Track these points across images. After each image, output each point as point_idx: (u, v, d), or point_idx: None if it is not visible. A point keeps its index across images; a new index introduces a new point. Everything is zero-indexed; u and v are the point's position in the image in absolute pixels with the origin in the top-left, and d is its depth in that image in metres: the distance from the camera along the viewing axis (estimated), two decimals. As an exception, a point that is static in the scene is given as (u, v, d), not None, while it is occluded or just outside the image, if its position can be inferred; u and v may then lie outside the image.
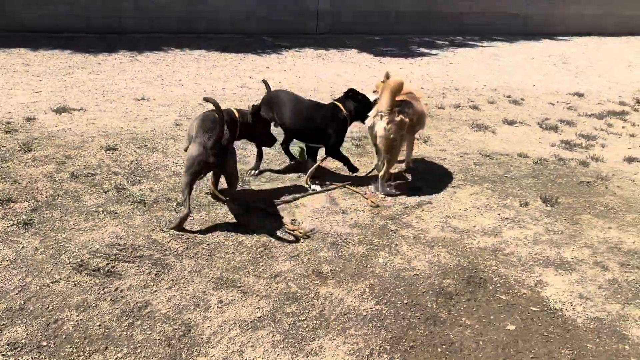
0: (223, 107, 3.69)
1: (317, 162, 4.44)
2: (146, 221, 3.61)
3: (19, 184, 3.96)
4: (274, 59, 8.87)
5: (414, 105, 4.29)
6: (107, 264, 3.12)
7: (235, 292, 2.98)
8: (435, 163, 4.95)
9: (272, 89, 4.73)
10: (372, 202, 4.10)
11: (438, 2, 11.88)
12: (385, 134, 4.06)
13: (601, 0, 13.19)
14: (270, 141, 4.26)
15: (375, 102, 4.32)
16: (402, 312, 2.90)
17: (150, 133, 5.18)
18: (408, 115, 4.14)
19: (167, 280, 3.04)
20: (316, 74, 8.06)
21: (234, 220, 3.67)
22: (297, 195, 4.11)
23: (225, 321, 2.75)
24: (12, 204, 3.68)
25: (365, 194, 4.21)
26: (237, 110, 4.06)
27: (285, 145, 4.67)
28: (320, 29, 11.17)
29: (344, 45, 10.34)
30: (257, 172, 4.46)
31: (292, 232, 3.59)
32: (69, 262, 3.12)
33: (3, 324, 2.61)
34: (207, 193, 4.02)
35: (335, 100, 4.47)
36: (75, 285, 2.93)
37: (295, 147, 4.82)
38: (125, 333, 2.63)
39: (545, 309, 2.99)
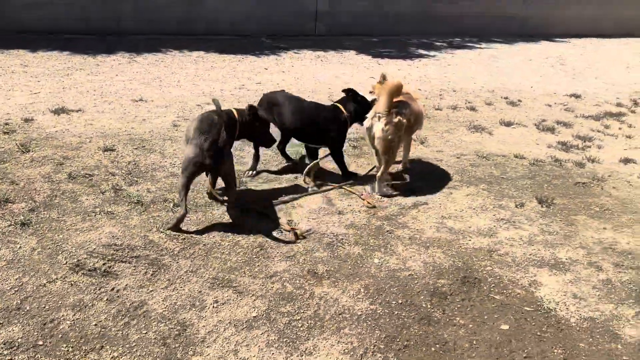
0: (222, 108, 3.72)
1: (317, 160, 4.47)
2: (143, 222, 3.62)
3: (17, 184, 3.98)
4: (273, 60, 8.90)
5: (412, 105, 4.32)
6: (104, 264, 3.14)
7: (231, 292, 3.00)
8: (431, 164, 4.97)
9: (271, 90, 4.75)
10: (368, 202, 4.11)
11: (437, 3, 11.91)
12: (383, 135, 4.08)
13: (600, 2, 13.22)
14: (269, 141, 4.26)
15: (373, 102, 4.35)
16: (396, 312, 2.92)
17: (148, 134, 5.20)
18: (405, 116, 4.16)
19: (163, 280, 3.06)
20: (314, 75, 8.08)
21: (231, 221, 3.69)
22: (295, 196, 4.13)
23: (220, 321, 2.77)
24: (9, 204, 3.70)
25: (362, 194, 4.23)
26: (236, 110, 4.08)
27: (282, 147, 4.69)
28: (319, 30, 11.20)
29: (342, 46, 10.37)
30: (254, 172, 4.48)
31: (288, 232, 3.60)
32: (66, 262, 3.13)
33: (0, 324, 2.63)
34: (208, 193, 4.03)
35: (336, 101, 4.52)
36: (72, 285, 2.95)
37: (293, 148, 4.85)
38: (121, 332, 2.65)
39: (539, 308, 3.01)
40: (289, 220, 3.78)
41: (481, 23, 12.39)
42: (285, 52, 9.63)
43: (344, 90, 4.49)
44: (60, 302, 2.81)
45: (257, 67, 8.37)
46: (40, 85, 6.56)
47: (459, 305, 3.01)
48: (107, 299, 2.86)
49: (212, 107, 3.57)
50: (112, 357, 2.49)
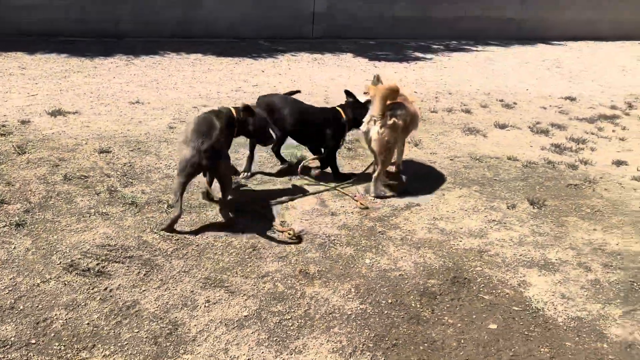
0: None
1: (316, 157, 4.57)
2: (137, 222, 3.66)
3: (12, 185, 4.01)
4: (270, 63, 8.95)
5: (407, 107, 4.36)
6: (97, 264, 3.18)
7: (223, 291, 3.03)
8: (425, 166, 5.01)
9: (268, 92, 4.80)
10: (361, 204, 4.15)
11: (433, 6, 11.96)
12: (380, 137, 4.14)
13: (596, 5, 13.28)
14: (267, 138, 4.20)
15: (368, 103, 4.40)
16: (386, 311, 2.95)
17: (144, 136, 5.23)
18: (401, 117, 4.21)
19: (156, 280, 3.09)
20: (311, 77, 8.13)
21: (224, 222, 3.72)
22: (291, 197, 4.18)
23: (211, 320, 2.80)
24: (4, 205, 3.73)
25: (355, 196, 4.27)
26: (234, 108, 4.08)
27: (277, 148, 4.73)
28: (316, 33, 11.25)
29: (339, 49, 10.42)
30: (248, 174, 4.51)
31: (281, 233, 3.64)
32: (60, 262, 3.17)
33: (-7, 323, 2.66)
34: (202, 193, 4.06)
35: (338, 105, 4.59)
36: (65, 284, 2.98)
37: (288, 150, 4.89)
38: (113, 331, 2.68)
39: (527, 308, 3.05)
40: (282, 222, 3.81)
41: (478, 26, 12.44)
42: (282, 54, 9.68)
43: (345, 91, 4.56)
44: (53, 301, 2.85)
45: (254, 69, 8.41)
46: (37, 87, 6.60)
47: (448, 305, 3.04)
48: (100, 299, 2.90)
49: (209, 109, 3.60)
50: (103, 356, 2.53)
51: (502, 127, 6.29)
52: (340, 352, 2.64)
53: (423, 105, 6.90)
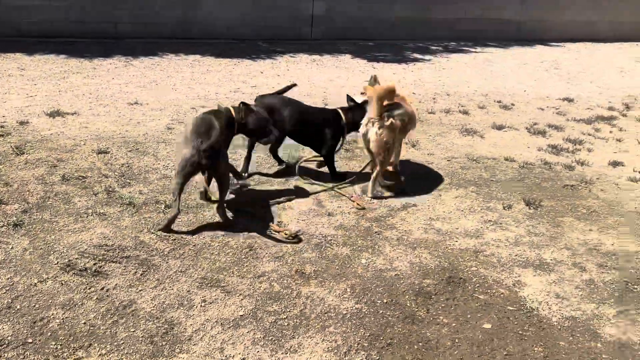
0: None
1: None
2: (134, 223, 3.68)
3: (10, 186, 4.03)
4: (268, 64, 8.97)
5: (404, 106, 4.39)
6: (95, 264, 3.19)
7: (219, 291, 3.05)
8: (422, 167, 5.03)
9: (266, 93, 4.82)
10: (358, 204, 4.17)
11: (432, 8, 11.99)
12: (378, 138, 4.17)
13: (595, 7, 13.31)
14: (267, 135, 4.08)
15: (364, 104, 4.44)
16: (381, 311, 2.97)
17: (142, 137, 5.25)
18: (399, 117, 4.24)
19: (152, 279, 3.11)
20: (309, 78, 8.15)
21: (221, 222, 3.74)
22: (290, 197, 4.20)
23: (207, 319, 2.82)
24: (2, 205, 3.75)
25: (352, 196, 4.29)
26: (233, 108, 4.04)
27: (274, 149, 4.76)
28: (315, 34, 11.28)
29: (338, 50, 10.44)
30: (246, 175, 4.53)
31: (277, 233, 3.65)
32: (57, 262, 3.18)
33: (-10, 322, 2.68)
34: (200, 193, 4.07)
35: (339, 108, 4.64)
36: (62, 284, 3.00)
37: (285, 151, 4.92)
38: (109, 330, 2.69)
39: (522, 308, 3.06)
40: (279, 222, 3.83)
41: (477, 27, 12.47)
42: (281, 55, 9.70)
43: (347, 96, 4.62)
44: (50, 301, 2.86)
45: (253, 70, 8.44)
46: (36, 88, 6.62)
47: (443, 305, 3.06)
48: (96, 298, 2.91)
49: (207, 109, 3.61)
50: (99, 355, 2.54)
51: (500, 128, 6.31)
52: (335, 351, 2.66)
53: (421, 107, 6.92)
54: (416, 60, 10.17)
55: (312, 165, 4.85)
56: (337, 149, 4.63)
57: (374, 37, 11.68)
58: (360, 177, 4.59)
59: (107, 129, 5.40)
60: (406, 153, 5.25)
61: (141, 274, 3.14)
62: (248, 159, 4.53)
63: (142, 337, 2.67)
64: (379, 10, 11.55)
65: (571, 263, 3.54)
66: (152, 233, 3.56)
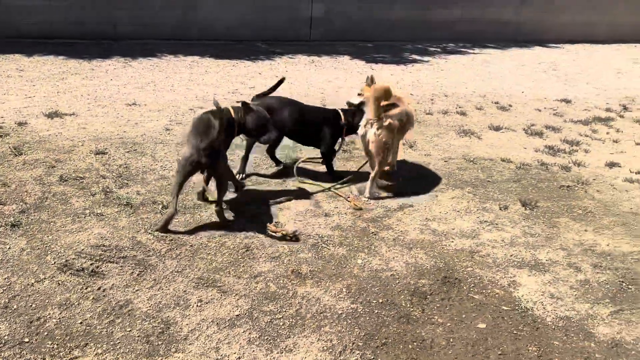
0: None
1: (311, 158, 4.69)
2: (131, 223, 3.69)
3: (8, 186, 4.05)
4: (267, 65, 8.99)
5: (402, 106, 4.41)
6: (91, 264, 3.21)
7: (215, 291, 3.06)
8: (419, 167, 5.05)
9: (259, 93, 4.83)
10: (355, 205, 4.19)
11: (431, 9, 12.01)
12: (377, 139, 4.20)
13: (593, 8, 13.33)
14: (267, 134, 4.01)
15: (361, 105, 4.48)
16: (376, 311, 2.98)
17: (140, 138, 5.27)
18: (397, 117, 4.27)
19: (149, 279, 3.12)
20: (307, 79, 8.17)
21: (218, 222, 3.75)
22: (287, 198, 4.21)
23: (203, 319, 2.83)
24: (0, 206, 3.76)
25: (349, 197, 4.30)
26: (232, 108, 4.02)
27: (272, 150, 4.78)
28: (314, 36, 11.30)
29: (336, 51, 10.46)
30: (243, 175, 4.54)
31: (274, 233, 3.67)
32: (54, 262, 3.20)
33: (-13, 321, 2.69)
34: (197, 193, 4.08)
35: (341, 109, 4.67)
36: (59, 284, 3.01)
37: (282, 152, 4.94)
38: (105, 330, 2.71)
39: (517, 308, 3.08)
40: (276, 222, 3.84)
41: (475, 29, 12.49)
42: (280, 57, 9.72)
43: (348, 103, 4.67)
44: (47, 300, 2.88)
45: (251, 71, 8.45)
46: (35, 89, 6.64)
47: (438, 305, 3.07)
48: (93, 298, 2.93)
49: (205, 110, 3.63)
50: (95, 354, 2.55)
51: (497, 129, 6.32)
52: (330, 350, 2.67)
53: (419, 108, 6.94)
54: (414, 61, 10.20)
55: (310, 166, 4.87)
56: (337, 149, 4.66)
57: (372, 39, 11.71)
58: (357, 177, 4.61)
59: (105, 129, 5.42)
60: (403, 154, 5.26)
61: (138, 274, 3.16)
62: (245, 159, 4.54)
63: (138, 336, 2.68)
64: (378, 11, 11.58)
65: (566, 263, 3.56)
66: (149, 233, 3.57)
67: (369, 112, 4.24)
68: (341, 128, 4.56)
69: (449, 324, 2.91)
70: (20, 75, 7.17)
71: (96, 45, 9.30)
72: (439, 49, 11.57)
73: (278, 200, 4.18)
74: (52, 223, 3.62)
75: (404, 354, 2.68)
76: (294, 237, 3.63)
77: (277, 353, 2.64)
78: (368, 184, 4.33)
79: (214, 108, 3.60)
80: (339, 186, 4.47)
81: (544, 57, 11.41)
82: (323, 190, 4.39)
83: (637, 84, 9.25)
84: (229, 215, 3.88)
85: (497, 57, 11.18)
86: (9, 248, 3.30)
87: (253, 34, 10.84)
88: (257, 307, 2.95)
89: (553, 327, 2.93)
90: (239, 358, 2.59)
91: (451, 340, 2.80)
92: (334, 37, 11.38)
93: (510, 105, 7.42)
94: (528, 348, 2.76)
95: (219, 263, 3.33)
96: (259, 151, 4.87)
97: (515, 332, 2.88)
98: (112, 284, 3.05)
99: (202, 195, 4.07)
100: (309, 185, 4.47)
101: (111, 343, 2.63)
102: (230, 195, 4.17)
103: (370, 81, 4.47)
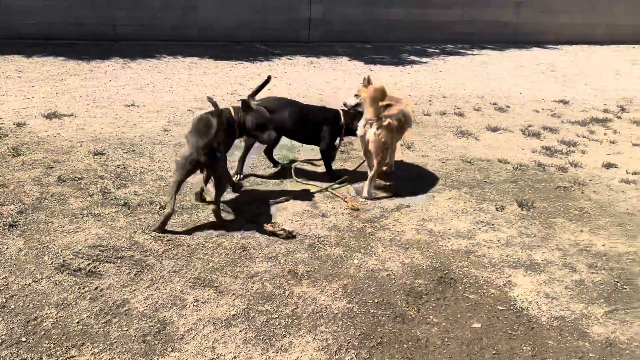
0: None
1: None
2: (129, 223, 3.71)
3: (7, 187, 4.06)
4: (265, 66, 9.01)
5: (399, 106, 4.43)
6: (89, 264, 3.22)
7: (212, 291, 3.08)
8: (416, 168, 5.07)
9: (263, 95, 4.86)
10: (352, 205, 4.20)
11: (429, 11, 12.04)
12: (377, 139, 4.23)
13: (591, 10, 13.35)
14: (267, 132, 4.00)
15: (358, 106, 4.53)
16: (372, 311, 3.00)
17: (139, 138, 5.28)
18: (395, 117, 4.29)
19: (146, 279, 3.14)
20: (306, 80, 8.19)
21: (215, 222, 3.77)
22: (284, 198, 4.23)
23: (200, 319, 2.85)
24: (-2, 206, 3.78)
25: (346, 197, 4.32)
26: (233, 108, 4.01)
27: (269, 151, 4.79)
28: (313, 37, 11.32)
29: (335, 53, 10.49)
30: (241, 176, 4.56)
31: (272, 233, 3.68)
32: (52, 262, 3.21)
33: (-16, 321, 2.71)
34: (195, 194, 4.10)
35: (341, 109, 4.72)
36: (57, 284, 3.03)
37: (281, 152, 4.95)
38: (102, 330, 2.72)
39: (512, 308, 3.09)
40: (273, 223, 3.86)
41: (474, 30, 12.51)
42: (278, 58, 9.74)
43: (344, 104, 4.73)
44: (44, 300, 2.89)
45: (250, 72, 8.47)
46: (34, 90, 6.65)
47: (433, 305, 3.09)
48: (90, 298, 2.94)
49: (204, 111, 3.64)
50: (92, 354, 2.57)
51: (494, 130, 6.34)
52: (326, 350, 2.69)
53: (417, 109, 6.96)
54: (413, 62, 10.22)
55: (307, 167, 4.90)
56: (335, 147, 4.69)
57: (371, 40, 11.73)
58: (354, 177, 4.63)
59: (104, 130, 5.44)
60: (401, 155, 5.28)
61: (135, 274, 3.17)
62: (242, 160, 4.56)
63: (134, 336, 2.70)
64: (377, 13, 11.60)
65: (562, 263, 3.57)
66: (147, 234, 3.59)
67: (368, 112, 4.26)
68: (340, 128, 4.59)
69: (444, 324, 2.93)
70: (19, 76, 7.19)
71: (95, 46, 9.32)
72: (437, 50, 11.59)
73: (275, 200, 4.20)
74: (49, 223, 3.63)
75: (398, 353, 2.70)
76: (290, 235, 3.65)
77: (273, 352, 2.65)
78: (366, 183, 4.35)
79: (215, 109, 3.61)
80: (336, 186, 4.50)
81: (542, 58, 11.44)
82: (320, 191, 4.41)
83: (635, 85, 9.27)
84: (226, 215, 3.89)
85: (495, 58, 11.20)
86: (7, 248, 3.32)
87: (252, 35, 10.87)
88: (253, 307, 2.97)
89: (548, 326, 2.95)
90: (235, 357, 2.60)
91: (446, 339, 2.81)
92: (333, 39, 11.41)
93: (508, 107, 7.44)
94: (522, 347, 2.77)
95: (215, 263, 3.34)
96: (256, 152, 4.89)
97: (510, 331, 2.89)
98: (109, 284, 3.07)
99: (200, 196, 4.08)
100: (306, 186, 4.49)
101: (108, 342, 2.64)
102: (228, 195, 4.19)
103: (367, 82, 4.49)
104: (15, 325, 2.70)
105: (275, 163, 4.83)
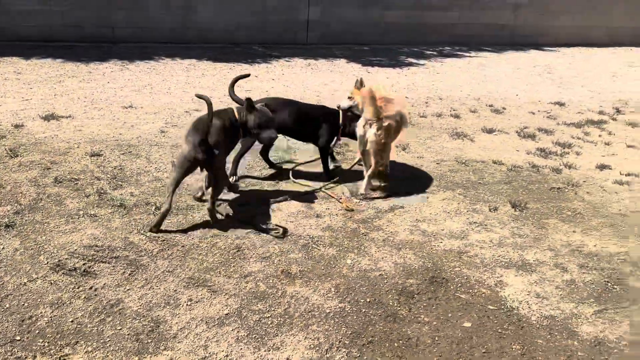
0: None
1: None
2: (124, 224, 3.74)
3: (3, 188, 4.10)
4: (263, 68, 9.04)
5: (395, 107, 4.47)
6: (84, 264, 3.25)
7: (205, 291, 3.11)
8: (411, 169, 5.10)
9: (260, 97, 4.91)
10: (346, 206, 4.24)
11: (427, 13, 12.07)
12: (377, 140, 4.29)
13: (590, 12, 13.39)
14: (269, 131, 3.98)
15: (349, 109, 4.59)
16: (364, 310, 3.03)
17: (136, 140, 5.32)
18: (393, 118, 4.34)
19: (140, 279, 3.17)
20: (303, 82, 8.22)
21: (210, 222, 3.80)
22: (279, 199, 4.26)
23: (193, 318, 2.88)
24: (-5, 207, 3.82)
25: (340, 198, 4.35)
26: (236, 108, 4.00)
27: (265, 152, 4.83)
28: (311, 39, 11.35)
29: (333, 55, 10.52)
30: (236, 178, 4.59)
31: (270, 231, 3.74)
32: (47, 262, 3.25)
33: (-21, 320, 2.74)
34: (195, 197, 4.13)
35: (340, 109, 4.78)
36: (52, 284, 3.06)
37: (276, 154, 4.99)
38: (96, 328, 2.75)
39: (502, 307, 3.12)
40: (268, 222, 3.89)
41: (471, 32, 12.54)
42: (276, 60, 9.78)
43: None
44: (39, 300, 2.93)
45: (248, 74, 8.49)
46: (32, 92, 6.69)
47: (425, 304, 3.12)
48: (84, 297, 2.97)
49: (201, 112, 3.67)
50: (85, 352, 2.60)
51: (490, 131, 6.38)
52: (317, 348, 2.72)
53: (413, 111, 6.99)
54: (410, 64, 10.25)
55: (302, 167, 4.94)
56: (331, 144, 4.73)
57: (369, 42, 11.76)
58: (349, 178, 4.67)
59: (101, 132, 5.47)
60: (396, 156, 5.31)
61: (129, 274, 3.20)
62: (237, 161, 4.58)
63: (128, 334, 2.73)
64: (374, 15, 11.63)
65: (553, 264, 3.61)
66: (142, 234, 3.62)
67: (368, 113, 4.30)
68: (338, 128, 4.65)
69: (434, 323, 2.96)
70: (17, 78, 7.23)
71: (95, 48, 9.35)
72: (435, 52, 11.62)
73: (271, 201, 4.23)
74: (46, 224, 3.66)
75: (389, 352, 2.73)
76: (284, 233, 3.70)
77: (265, 351, 2.68)
78: (365, 181, 4.40)
79: (217, 109, 3.65)
80: (330, 185, 4.54)
81: (539, 61, 11.47)
82: (314, 190, 4.44)
83: (631, 87, 9.30)
84: (220, 216, 3.92)
85: (493, 60, 11.23)
86: (3, 248, 3.35)
87: (250, 37, 10.90)
88: (246, 306, 3.00)
89: (537, 326, 2.98)
90: (227, 356, 2.64)
91: (436, 338, 2.84)
92: (331, 41, 11.44)
93: (504, 108, 7.47)
94: (512, 346, 2.80)
95: (209, 263, 3.37)
96: (253, 153, 4.91)
97: (500, 330, 2.93)
98: (104, 284, 3.10)
99: (201, 196, 4.10)
100: (301, 186, 4.52)
101: (101, 341, 2.67)
102: (224, 196, 4.23)
103: (360, 84, 4.53)
104: (9, 324, 2.73)
105: (271, 164, 4.86)
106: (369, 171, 4.41)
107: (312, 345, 2.74)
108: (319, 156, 4.76)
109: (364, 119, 4.37)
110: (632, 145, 6.16)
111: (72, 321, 2.79)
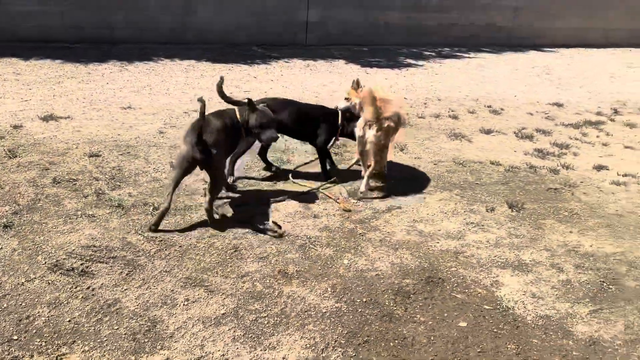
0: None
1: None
2: (122, 224, 3.75)
3: (2, 188, 4.11)
4: (262, 69, 9.06)
5: (393, 108, 4.49)
6: (82, 264, 3.27)
7: (202, 290, 3.12)
8: (409, 170, 5.11)
9: (259, 98, 4.92)
10: (344, 207, 4.25)
11: (426, 14, 12.09)
12: (377, 140, 4.31)
13: (588, 13, 13.41)
14: (269, 131, 4.00)
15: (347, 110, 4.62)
16: (360, 310, 3.04)
17: (134, 140, 5.33)
18: (391, 119, 4.36)
19: (137, 279, 3.18)
20: (302, 83, 8.24)
21: (208, 222, 3.81)
22: (277, 199, 4.28)
23: (189, 318, 2.89)
24: (-7, 207, 3.83)
25: (338, 199, 4.37)
26: (237, 108, 4.01)
27: (263, 153, 4.84)
28: (310, 40, 11.38)
29: (332, 56, 10.54)
30: (234, 178, 4.60)
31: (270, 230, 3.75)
32: (45, 262, 3.26)
33: (-23, 319, 2.75)
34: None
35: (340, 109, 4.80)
36: (49, 284, 3.07)
37: (275, 154, 5.00)
38: (93, 328, 2.77)
39: (498, 307, 3.14)
40: (266, 222, 3.90)
41: (470, 33, 12.57)
42: (275, 61, 9.80)
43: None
44: (36, 299, 2.94)
45: (247, 75, 8.52)
46: (31, 92, 6.71)
47: (421, 304, 3.13)
48: (82, 297, 2.99)
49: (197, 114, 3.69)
50: (82, 351, 2.61)
51: (488, 132, 6.39)
52: (313, 348, 2.73)
53: (411, 111, 7.01)
54: (409, 65, 10.27)
55: (300, 168, 4.96)
56: (329, 144, 4.75)
57: (368, 43, 11.78)
58: (346, 178, 4.68)
59: (100, 132, 5.48)
60: (394, 157, 5.32)
61: (127, 274, 3.22)
62: (233, 162, 4.59)
63: (125, 334, 2.74)
64: (373, 16, 11.66)
65: (549, 264, 3.62)
66: (140, 234, 3.63)
67: (368, 113, 4.32)
68: (337, 128, 4.67)
69: (430, 323, 2.97)
70: (16, 79, 7.24)
71: (94, 49, 9.37)
72: (434, 53, 11.65)
73: (268, 202, 4.24)
74: (44, 224, 3.68)
75: (385, 351, 2.74)
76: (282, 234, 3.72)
77: (261, 350, 2.70)
78: (363, 182, 4.42)
79: (218, 110, 3.67)
80: (328, 185, 4.55)
81: (538, 62, 11.49)
82: (312, 190, 4.45)
83: (629, 88, 9.32)
84: (218, 215, 3.94)
85: (491, 61, 11.25)
86: (1, 248, 3.36)
87: (249, 38, 10.93)
88: (242, 306, 3.01)
89: (533, 325, 2.99)
90: (223, 355, 2.65)
91: (432, 338, 2.86)
92: (330, 42, 11.47)
93: (502, 109, 7.49)
94: (507, 346, 2.82)
95: (207, 263, 3.39)
96: (251, 153, 4.93)
97: (495, 330, 2.94)
98: (102, 284, 3.11)
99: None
100: (299, 186, 4.53)
101: (98, 340, 2.69)
102: (222, 196, 4.24)
103: (356, 85, 4.55)
104: (7, 323, 2.74)
105: (269, 165, 4.87)
106: (368, 171, 4.43)
107: (308, 345, 2.75)
108: (318, 157, 4.78)
109: (363, 120, 4.39)
110: (629, 146, 6.18)
111: (69, 321, 2.80)
